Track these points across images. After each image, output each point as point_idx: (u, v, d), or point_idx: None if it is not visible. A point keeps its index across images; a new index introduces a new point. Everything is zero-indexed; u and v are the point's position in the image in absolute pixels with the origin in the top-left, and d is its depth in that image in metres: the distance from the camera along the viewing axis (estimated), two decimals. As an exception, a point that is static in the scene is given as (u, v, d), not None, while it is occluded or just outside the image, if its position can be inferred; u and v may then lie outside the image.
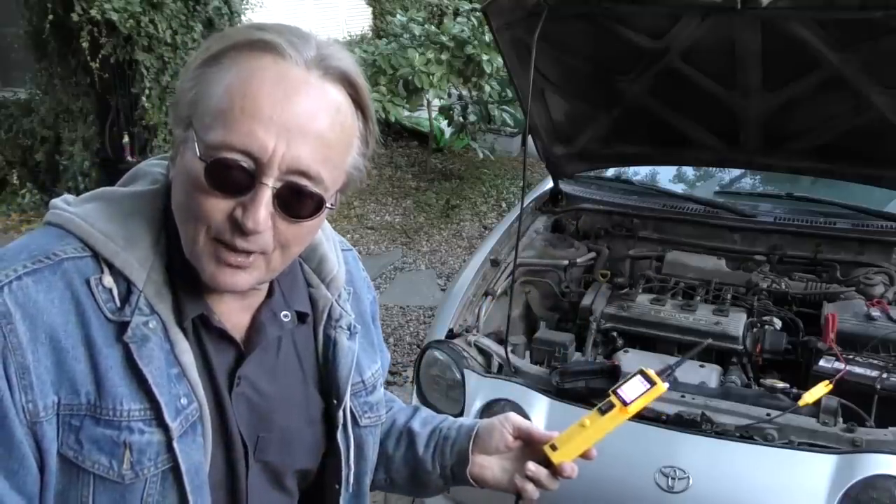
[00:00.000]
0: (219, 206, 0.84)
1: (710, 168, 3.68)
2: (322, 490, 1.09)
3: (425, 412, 1.27)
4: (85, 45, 5.61)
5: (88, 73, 5.92)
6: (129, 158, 6.02)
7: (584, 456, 1.07)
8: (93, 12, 5.47)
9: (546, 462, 1.09)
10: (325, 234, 1.10)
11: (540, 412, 2.20)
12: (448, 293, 2.82)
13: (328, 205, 0.88)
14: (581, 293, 2.81)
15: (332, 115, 0.86)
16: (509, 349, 2.43)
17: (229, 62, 0.84)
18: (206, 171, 0.82)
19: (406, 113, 6.90)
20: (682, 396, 2.17)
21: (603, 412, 1.07)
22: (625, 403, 1.06)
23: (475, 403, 2.28)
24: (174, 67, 5.86)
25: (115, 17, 5.50)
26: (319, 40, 0.88)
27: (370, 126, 0.94)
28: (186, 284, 0.90)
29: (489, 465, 1.15)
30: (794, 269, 2.90)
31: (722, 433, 2.05)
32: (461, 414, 2.29)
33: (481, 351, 2.42)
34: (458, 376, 2.32)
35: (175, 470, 0.87)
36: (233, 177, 0.82)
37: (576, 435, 1.06)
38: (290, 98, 0.82)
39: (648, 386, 1.06)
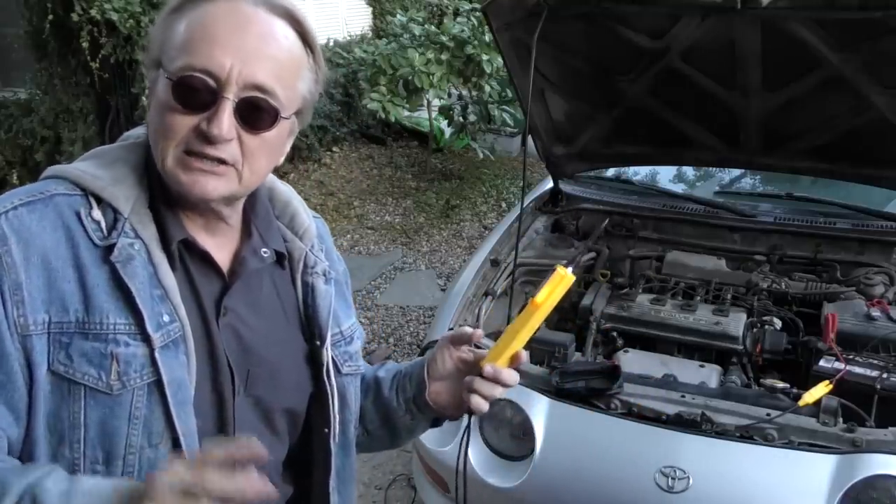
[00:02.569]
0: (185, 122, 0.94)
1: (710, 168, 3.68)
2: (311, 437, 1.15)
3: (389, 363, 1.34)
4: (85, 45, 5.61)
5: (88, 73, 5.92)
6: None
7: (515, 359, 1.12)
8: (93, 12, 5.47)
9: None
10: (295, 198, 1.20)
11: (540, 412, 2.20)
12: (448, 293, 2.82)
13: (283, 115, 0.98)
14: (581, 293, 2.81)
15: (281, 41, 0.97)
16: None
17: (190, 8, 0.96)
18: (173, 90, 0.93)
19: (406, 113, 6.89)
20: (682, 396, 2.17)
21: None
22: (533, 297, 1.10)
23: (475, 403, 2.27)
24: (174, 67, 5.85)
25: (115, 17, 5.50)
26: None
27: (318, 61, 1.04)
28: (169, 217, 1.00)
29: (444, 389, 1.21)
30: (794, 269, 2.91)
31: (722, 433, 2.05)
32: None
33: (481, 351, 2.42)
34: (458, 376, 2.32)
35: (159, 383, 0.93)
36: (196, 92, 0.93)
37: (505, 341, 1.12)
38: (242, 26, 0.95)
39: (557, 281, 1.10)
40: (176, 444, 0.95)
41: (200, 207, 1.01)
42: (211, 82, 0.93)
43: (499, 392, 1.13)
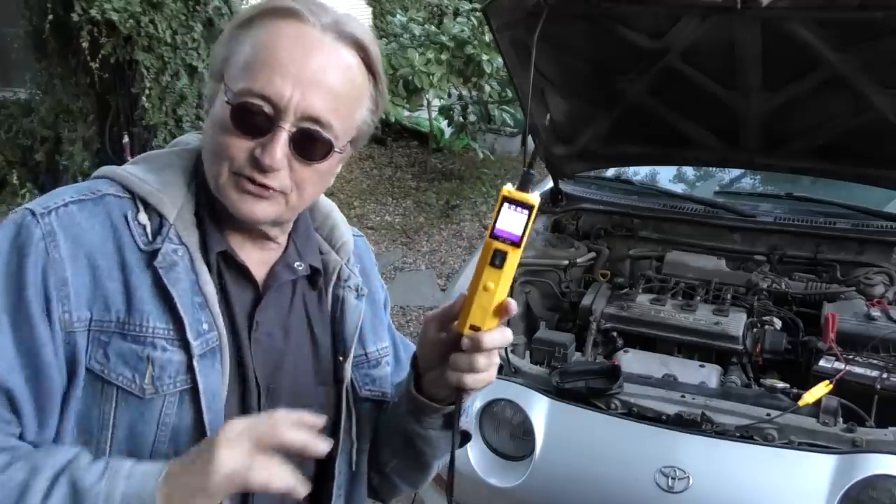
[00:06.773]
0: (241, 146, 0.94)
1: (710, 168, 3.68)
2: (322, 461, 1.07)
3: None
4: (85, 45, 5.61)
5: (88, 73, 5.91)
6: (129, 159, 5.99)
7: (503, 312, 0.93)
8: (93, 12, 5.47)
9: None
10: (335, 211, 1.19)
11: (540, 412, 2.20)
12: (448, 293, 2.82)
13: (336, 149, 0.98)
14: (581, 293, 2.80)
15: (344, 71, 0.97)
16: (509, 349, 2.42)
17: (258, 25, 0.96)
18: (231, 114, 0.93)
19: (406, 113, 6.91)
20: (682, 396, 2.17)
21: (499, 265, 0.90)
22: (516, 243, 0.88)
23: (475, 403, 2.27)
24: (174, 67, 5.85)
25: (115, 17, 5.50)
26: (338, 12, 0.99)
27: (380, 88, 1.04)
28: (212, 226, 1.00)
29: (437, 378, 1.02)
30: (794, 269, 2.90)
31: (722, 433, 2.05)
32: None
33: (481, 351, 2.42)
34: (458, 376, 2.32)
35: (193, 391, 0.94)
36: (254, 119, 0.93)
37: (478, 297, 0.91)
38: (306, 54, 0.94)
39: (523, 210, 0.87)
40: None
41: (249, 225, 1.01)
42: (269, 109, 0.93)
43: (482, 363, 0.94)
